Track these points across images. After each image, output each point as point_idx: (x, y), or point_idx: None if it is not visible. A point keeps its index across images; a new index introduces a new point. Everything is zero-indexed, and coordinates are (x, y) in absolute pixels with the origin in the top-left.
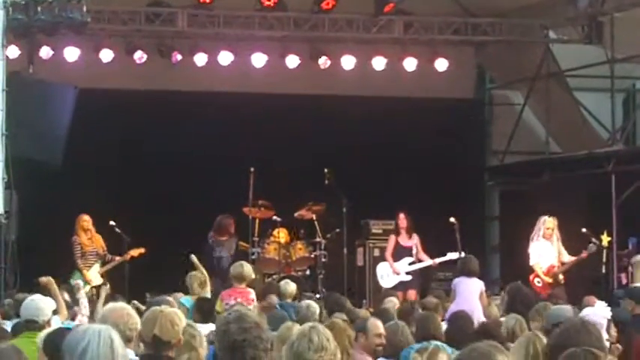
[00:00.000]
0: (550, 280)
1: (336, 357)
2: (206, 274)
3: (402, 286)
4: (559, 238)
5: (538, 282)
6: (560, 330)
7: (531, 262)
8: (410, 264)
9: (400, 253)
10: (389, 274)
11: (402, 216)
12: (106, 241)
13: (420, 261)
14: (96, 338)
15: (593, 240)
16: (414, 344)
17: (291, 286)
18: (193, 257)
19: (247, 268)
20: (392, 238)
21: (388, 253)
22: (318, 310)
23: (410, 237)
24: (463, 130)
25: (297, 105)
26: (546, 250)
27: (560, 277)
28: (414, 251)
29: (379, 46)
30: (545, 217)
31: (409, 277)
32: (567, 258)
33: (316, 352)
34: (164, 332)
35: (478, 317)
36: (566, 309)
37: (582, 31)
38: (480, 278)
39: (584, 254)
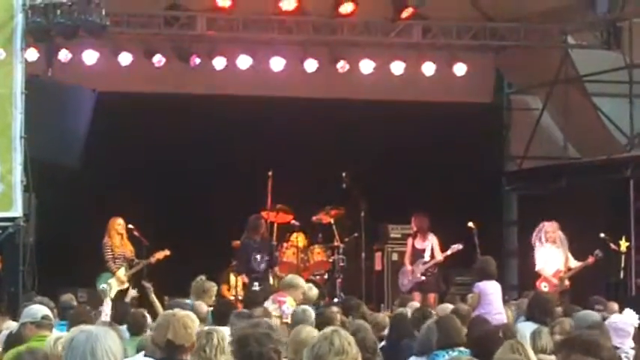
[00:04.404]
0: (557, 283)
1: None
2: (212, 285)
3: (417, 287)
4: (564, 243)
5: (545, 286)
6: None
7: (537, 268)
8: (423, 264)
9: (416, 256)
10: (406, 277)
11: (412, 219)
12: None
13: (432, 259)
14: (82, 337)
15: (612, 245)
16: (437, 351)
17: (313, 291)
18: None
19: (290, 278)
20: (409, 241)
21: (406, 258)
22: (313, 315)
23: (425, 239)
24: (481, 135)
25: (315, 109)
26: (552, 256)
27: (567, 282)
28: (427, 253)
29: (398, 51)
30: (545, 223)
31: (423, 278)
32: (574, 263)
33: (337, 355)
34: (177, 336)
35: (503, 321)
36: (594, 313)
37: (601, 37)
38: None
39: (590, 260)
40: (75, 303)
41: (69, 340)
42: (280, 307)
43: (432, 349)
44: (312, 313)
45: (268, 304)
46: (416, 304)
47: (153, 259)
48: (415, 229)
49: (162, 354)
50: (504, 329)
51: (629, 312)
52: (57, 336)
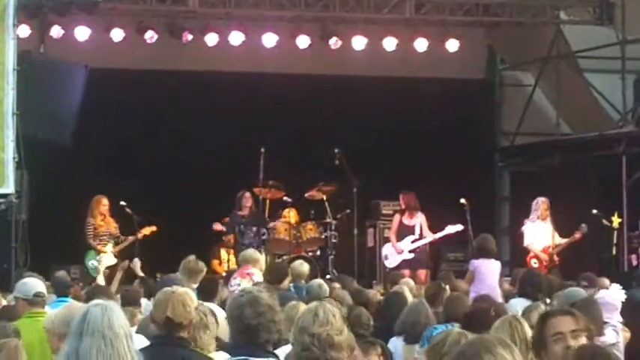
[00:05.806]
0: (547, 259)
1: (343, 333)
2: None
3: (406, 265)
4: (551, 220)
5: (535, 262)
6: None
7: (525, 243)
8: (412, 242)
9: (404, 232)
10: (392, 253)
11: (400, 196)
12: (117, 221)
13: (422, 238)
14: (98, 310)
15: (605, 221)
16: (437, 325)
17: (304, 267)
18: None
19: (250, 252)
20: (396, 217)
21: (392, 233)
22: (328, 290)
23: (413, 216)
24: (474, 111)
25: (307, 85)
26: (541, 231)
27: (555, 257)
28: (417, 230)
29: (390, 27)
30: (540, 198)
31: (411, 255)
32: (559, 240)
33: (321, 326)
34: (176, 314)
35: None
36: (581, 290)
37: (593, 13)
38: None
39: (577, 235)
40: (69, 279)
41: (83, 314)
42: (252, 279)
43: (416, 330)
44: (327, 288)
45: (238, 281)
46: (409, 281)
47: (139, 235)
48: (404, 206)
49: (161, 330)
50: (495, 308)
51: (615, 287)
52: (55, 312)
